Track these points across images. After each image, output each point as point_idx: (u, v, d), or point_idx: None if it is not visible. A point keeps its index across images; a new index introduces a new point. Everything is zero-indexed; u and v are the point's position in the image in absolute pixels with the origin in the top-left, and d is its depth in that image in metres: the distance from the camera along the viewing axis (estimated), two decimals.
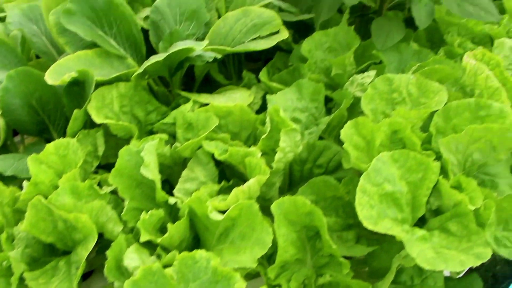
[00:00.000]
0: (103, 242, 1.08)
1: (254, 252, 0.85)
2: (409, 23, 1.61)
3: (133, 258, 0.92)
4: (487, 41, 1.76)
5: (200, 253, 0.75)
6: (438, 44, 1.80)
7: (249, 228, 0.90)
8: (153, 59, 1.31)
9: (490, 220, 0.97)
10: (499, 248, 0.99)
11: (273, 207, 0.95)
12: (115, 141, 1.44)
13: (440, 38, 1.80)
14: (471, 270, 1.24)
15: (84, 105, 1.32)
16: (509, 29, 1.74)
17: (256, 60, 1.97)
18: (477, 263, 0.89)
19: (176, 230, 0.97)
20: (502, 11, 2.07)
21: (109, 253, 0.96)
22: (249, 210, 0.90)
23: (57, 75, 1.36)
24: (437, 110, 1.13)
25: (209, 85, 1.78)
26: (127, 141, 1.32)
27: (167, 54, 1.30)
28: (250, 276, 1.22)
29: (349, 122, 1.08)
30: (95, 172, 1.35)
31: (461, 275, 1.23)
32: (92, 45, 1.47)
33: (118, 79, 1.39)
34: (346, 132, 1.07)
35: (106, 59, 1.49)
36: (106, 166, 1.40)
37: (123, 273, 0.95)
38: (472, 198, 0.99)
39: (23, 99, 1.49)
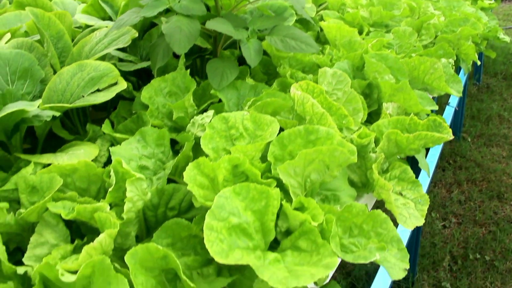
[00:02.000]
0: None
1: None
2: (245, 60, 1.72)
3: None
4: (316, 69, 1.94)
5: None
6: (274, 75, 1.94)
7: (105, 283, 0.89)
8: None
9: (332, 232, 1.06)
10: (346, 254, 1.09)
11: (127, 258, 0.95)
12: None
13: (274, 69, 1.94)
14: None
15: None
16: (331, 57, 1.93)
17: (102, 110, 1.96)
18: (327, 273, 0.97)
19: None
20: (325, 41, 2.29)
21: None
22: (102, 266, 0.89)
23: None
24: (272, 141, 1.22)
25: (55, 141, 1.72)
26: None
27: None
28: None
29: (190, 164, 1.12)
30: None
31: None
32: None
33: None
34: (189, 174, 1.11)
35: None
36: None
37: None
38: (314, 215, 1.08)
39: None
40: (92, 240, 1.04)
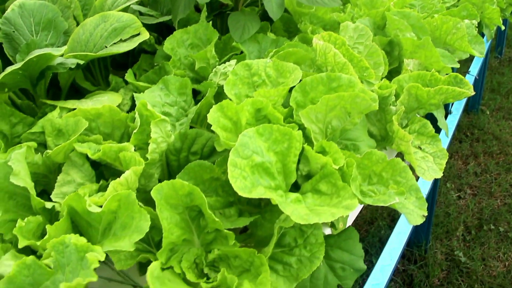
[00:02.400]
0: None
1: (132, 238, 0.87)
2: (266, 16, 1.72)
3: (9, 265, 0.89)
4: (337, 27, 1.93)
5: (69, 237, 0.74)
6: (294, 33, 1.93)
7: (129, 218, 0.92)
8: (10, 68, 1.27)
9: (353, 175, 1.08)
10: (365, 198, 1.11)
11: (153, 193, 0.97)
12: None
13: (295, 27, 1.93)
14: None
15: None
16: (353, 15, 1.92)
17: (123, 67, 1.97)
18: (347, 212, 0.98)
19: (56, 231, 0.95)
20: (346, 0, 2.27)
21: None
22: (127, 200, 0.92)
23: None
24: (294, 87, 1.23)
25: (77, 94, 1.75)
26: None
27: (24, 61, 1.27)
28: (143, 266, 1.24)
29: (214, 107, 1.14)
30: None
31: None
32: None
33: None
34: (212, 115, 1.12)
35: None
36: None
37: None
38: (335, 159, 1.09)
39: None
40: None
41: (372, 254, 3.56)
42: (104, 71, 1.83)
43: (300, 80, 1.26)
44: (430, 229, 3.64)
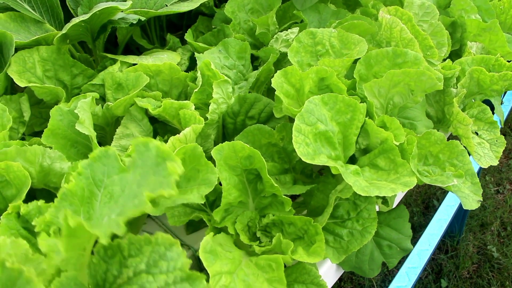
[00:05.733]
0: None
1: (200, 191, 0.86)
2: None
3: None
4: (397, 4, 1.87)
5: (153, 142, 0.70)
6: (353, 7, 1.89)
7: (194, 171, 0.91)
8: (77, 19, 1.28)
9: (413, 153, 1.06)
10: (423, 177, 1.09)
11: (213, 152, 0.98)
12: (38, 110, 1.40)
13: (354, 1, 1.89)
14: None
15: (4, 69, 1.26)
16: None
17: (176, 28, 1.97)
18: (405, 189, 0.97)
19: None
20: None
21: None
22: (193, 153, 0.91)
23: None
24: (359, 59, 1.21)
25: (132, 52, 1.76)
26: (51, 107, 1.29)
27: (91, 13, 1.27)
28: (190, 225, 1.25)
29: (278, 72, 1.12)
30: (22, 139, 1.30)
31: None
32: (4, 9, 1.40)
33: (37, 43, 1.34)
34: (276, 81, 1.11)
35: (22, 23, 1.43)
36: (32, 135, 1.35)
37: None
38: (396, 135, 1.07)
39: None
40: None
41: None
42: (159, 30, 1.83)
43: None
44: (465, 221, 3.58)
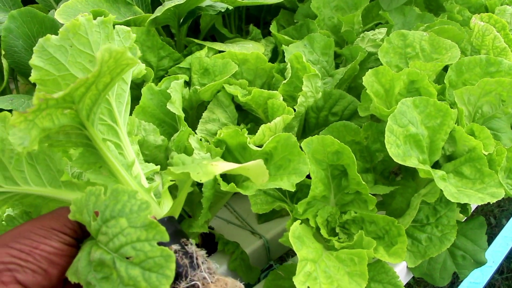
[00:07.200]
0: None
1: (291, 179, 0.87)
2: None
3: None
4: (482, 11, 1.83)
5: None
6: (434, 11, 1.86)
7: (285, 160, 0.90)
8: (171, 3, 1.31)
9: (502, 165, 1.04)
10: (510, 191, 1.06)
11: (303, 145, 0.98)
12: None
13: (437, 6, 1.86)
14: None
15: None
16: (503, 0, 1.82)
17: (253, 20, 1.99)
18: (492, 200, 0.95)
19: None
20: None
21: None
22: (286, 142, 0.91)
23: (67, 15, 1.34)
24: (450, 65, 1.19)
25: (210, 40, 1.78)
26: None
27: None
28: (262, 215, 1.27)
29: (370, 71, 1.12)
30: None
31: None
32: None
33: (127, 24, 1.38)
34: (367, 79, 1.11)
35: (113, 4, 1.48)
36: None
37: None
38: (486, 144, 1.05)
39: (26, 41, 1.46)
40: (255, 128, 1.07)
41: None
42: (237, 21, 1.85)
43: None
44: None
